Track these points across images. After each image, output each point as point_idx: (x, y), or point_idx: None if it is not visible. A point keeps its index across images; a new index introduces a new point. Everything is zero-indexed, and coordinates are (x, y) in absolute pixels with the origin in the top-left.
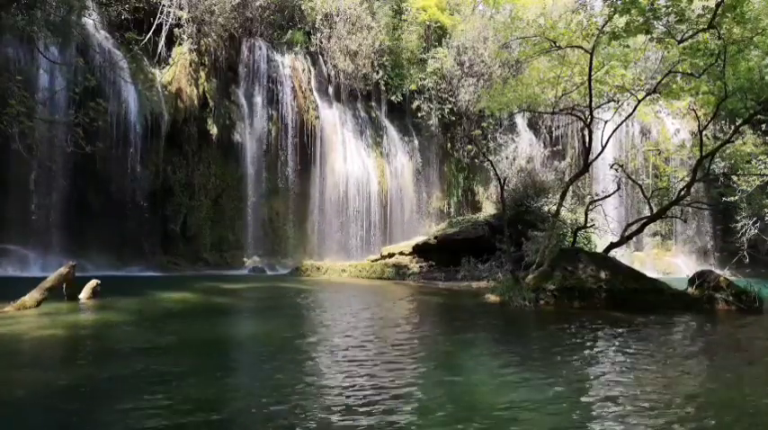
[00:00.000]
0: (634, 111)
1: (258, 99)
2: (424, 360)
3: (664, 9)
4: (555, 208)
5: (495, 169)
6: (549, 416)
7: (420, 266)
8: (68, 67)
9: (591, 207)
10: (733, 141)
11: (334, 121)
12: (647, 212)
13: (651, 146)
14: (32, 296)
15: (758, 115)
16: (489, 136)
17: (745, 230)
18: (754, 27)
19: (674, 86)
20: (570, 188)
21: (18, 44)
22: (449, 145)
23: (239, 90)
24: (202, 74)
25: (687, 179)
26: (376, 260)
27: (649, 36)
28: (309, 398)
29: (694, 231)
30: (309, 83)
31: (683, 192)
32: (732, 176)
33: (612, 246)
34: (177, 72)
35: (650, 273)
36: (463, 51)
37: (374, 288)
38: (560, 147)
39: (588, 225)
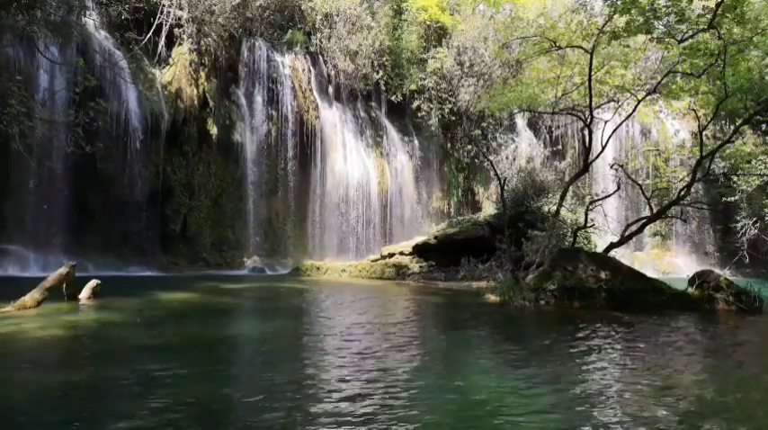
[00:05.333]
0: (634, 111)
1: (258, 99)
2: (425, 360)
3: (664, 9)
4: (555, 208)
5: (495, 169)
6: (549, 415)
7: (420, 266)
8: (68, 67)
9: (591, 207)
10: (733, 141)
11: (334, 121)
12: (647, 212)
13: (651, 146)
14: (32, 296)
15: (758, 115)
16: (489, 136)
17: (745, 230)
18: (754, 27)
19: (674, 86)
20: (570, 188)
21: (18, 44)
22: (449, 145)
23: (239, 90)
24: (202, 74)
25: (687, 179)
26: (376, 260)
27: (649, 36)
28: (309, 398)
29: (694, 231)
30: (309, 83)
31: (683, 192)
32: (732, 176)
33: (612, 246)
34: (177, 72)
35: (650, 273)
36: (463, 51)
37: (374, 288)
38: (560, 147)
39: (588, 225)
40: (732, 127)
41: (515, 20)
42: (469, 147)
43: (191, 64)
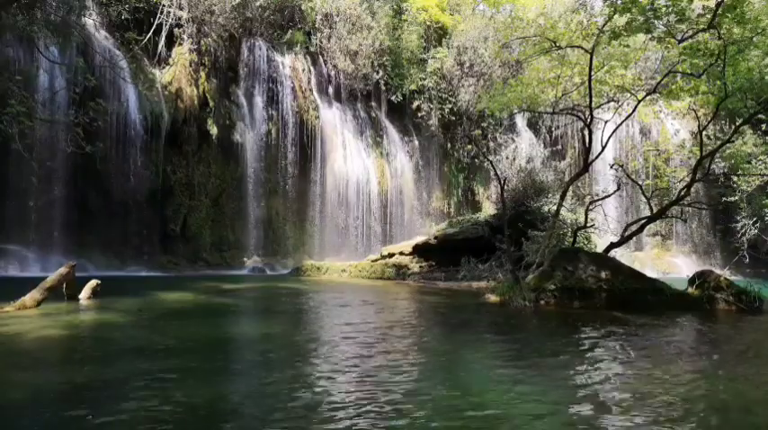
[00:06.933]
0: (634, 111)
1: (258, 99)
2: (425, 360)
3: (664, 9)
4: (555, 208)
5: (495, 169)
6: (549, 416)
7: (420, 266)
8: (68, 67)
9: (591, 207)
10: (733, 141)
11: (334, 121)
12: (647, 212)
13: (651, 146)
14: (32, 296)
15: (758, 115)
16: (489, 136)
17: (745, 230)
18: (754, 27)
19: (674, 86)
20: (570, 188)
21: (18, 44)
22: (449, 145)
23: (239, 90)
24: (202, 74)
25: (687, 179)
26: (376, 260)
27: (650, 36)
28: (308, 399)
29: (694, 231)
30: (309, 83)
31: (683, 192)
32: (732, 176)
33: (612, 246)
34: (177, 72)
35: (650, 273)
36: (463, 51)
37: (374, 288)
38: (560, 147)
39: (588, 225)
40: (732, 127)
41: (515, 20)
42: (469, 147)
43: (191, 64)
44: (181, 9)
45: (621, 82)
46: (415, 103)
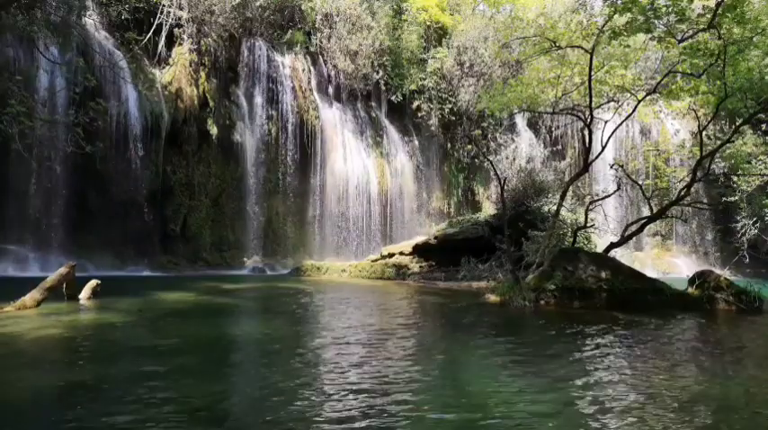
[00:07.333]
0: (634, 111)
1: (258, 99)
2: (426, 361)
3: (664, 9)
4: (555, 208)
5: (495, 169)
6: (549, 416)
7: (420, 266)
8: (68, 67)
9: (591, 207)
10: (733, 141)
11: (334, 121)
12: (647, 212)
13: (651, 146)
14: (32, 296)
15: (758, 115)
16: (489, 136)
17: (745, 230)
18: (754, 27)
19: (674, 86)
20: (570, 188)
21: (18, 44)
22: (449, 145)
23: (239, 90)
24: (202, 74)
25: (687, 179)
26: (376, 260)
27: (650, 36)
28: (308, 399)
29: (694, 231)
30: (309, 83)
31: (683, 193)
32: (732, 176)
33: (612, 246)
34: (177, 72)
35: (650, 273)
36: (463, 51)
37: (374, 288)
38: (560, 147)
39: (588, 225)
40: (732, 127)
41: (515, 20)
42: (469, 147)
43: (191, 64)
44: (181, 9)
45: (621, 82)
46: (415, 103)
